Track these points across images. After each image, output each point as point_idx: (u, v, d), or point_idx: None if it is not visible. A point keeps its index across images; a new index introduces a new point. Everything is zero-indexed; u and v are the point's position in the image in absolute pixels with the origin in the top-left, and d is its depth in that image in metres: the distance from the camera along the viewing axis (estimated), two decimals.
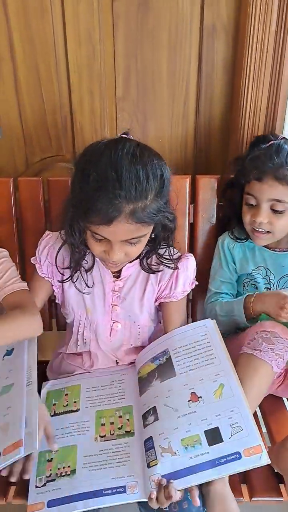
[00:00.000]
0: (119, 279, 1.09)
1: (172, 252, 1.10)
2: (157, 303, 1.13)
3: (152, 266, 1.08)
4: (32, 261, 1.12)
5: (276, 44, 1.16)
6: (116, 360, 1.14)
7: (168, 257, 1.08)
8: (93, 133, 1.32)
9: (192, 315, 1.36)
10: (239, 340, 1.07)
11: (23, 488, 0.92)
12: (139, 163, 0.89)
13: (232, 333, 1.18)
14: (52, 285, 1.12)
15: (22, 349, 1.03)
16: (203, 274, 1.23)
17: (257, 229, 1.12)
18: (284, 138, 1.15)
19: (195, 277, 1.14)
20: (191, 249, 1.29)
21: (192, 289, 1.20)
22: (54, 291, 1.13)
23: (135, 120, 1.32)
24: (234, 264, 1.22)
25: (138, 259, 1.08)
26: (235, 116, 1.27)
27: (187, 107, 1.32)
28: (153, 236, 1.04)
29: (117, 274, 1.10)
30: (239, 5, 1.19)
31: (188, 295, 1.27)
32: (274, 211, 1.09)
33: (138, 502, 0.89)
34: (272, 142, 1.11)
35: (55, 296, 1.15)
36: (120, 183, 0.87)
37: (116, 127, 1.33)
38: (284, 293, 1.05)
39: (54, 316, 1.34)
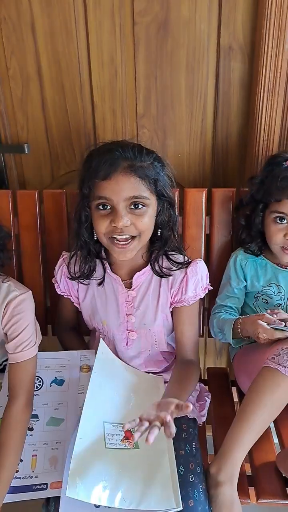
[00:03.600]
0: (131, 289, 1.14)
1: (184, 259, 1.15)
2: (171, 309, 1.16)
3: (163, 269, 1.12)
4: (53, 281, 1.21)
5: None
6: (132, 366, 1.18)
7: (178, 260, 1.13)
8: None
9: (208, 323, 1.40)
10: (260, 352, 1.09)
11: None
12: (136, 145, 1.05)
13: (246, 343, 1.21)
14: (73, 302, 1.20)
15: (74, 385, 1.08)
16: (218, 284, 1.28)
17: None
18: None
19: (210, 283, 1.18)
20: (207, 259, 1.33)
21: (207, 298, 1.25)
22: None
23: (155, 136, 1.38)
24: (246, 281, 1.25)
25: (149, 265, 1.13)
26: (251, 132, 1.32)
27: (205, 123, 1.37)
28: (159, 234, 1.09)
29: (129, 285, 1.14)
30: (254, 26, 1.25)
31: (203, 303, 1.32)
32: None
33: None
34: None
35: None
36: (118, 149, 1.00)
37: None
38: (259, 322, 1.06)
39: (50, 322, 1.40)
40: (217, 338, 1.24)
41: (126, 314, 1.15)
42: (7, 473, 0.93)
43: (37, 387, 1.09)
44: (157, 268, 1.12)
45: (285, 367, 0.97)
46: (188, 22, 1.25)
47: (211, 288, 1.18)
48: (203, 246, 1.32)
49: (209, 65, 1.30)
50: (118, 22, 1.25)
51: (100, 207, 1.02)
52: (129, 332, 1.15)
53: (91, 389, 1.00)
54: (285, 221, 1.14)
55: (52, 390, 1.09)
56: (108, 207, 1.02)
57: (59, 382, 1.11)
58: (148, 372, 1.18)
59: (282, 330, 1.03)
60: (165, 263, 1.13)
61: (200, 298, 1.17)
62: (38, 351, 1.09)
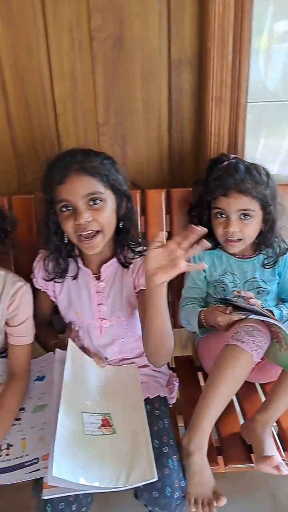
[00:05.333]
0: (101, 280, 1.23)
1: (143, 249, 1.25)
2: (136, 294, 1.24)
3: (127, 259, 1.22)
4: (31, 277, 1.28)
5: (233, 73, 1.34)
6: (106, 357, 1.26)
7: (139, 249, 1.23)
8: None
9: (174, 317, 1.50)
10: (221, 335, 1.18)
11: None
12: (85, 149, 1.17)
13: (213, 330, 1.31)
14: (49, 296, 1.28)
15: (51, 375, 1.15)
16: (180, 278, 1.38)
17: (230, 238, 1.27)
18: (236, 157, 1.31)
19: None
20: None
21: (172, 293, 1.35)
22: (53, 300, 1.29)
23: (116, 143, 1.48)
24: (204, 271, 1.36)
25: (115, 257, 1.23)
26: (203, 137, 1.44)
27: (161, 130, 1.49)
28: (121, 226, 1.19)
29: (99, 277, 1.24)
30: (200, 41, 1.37)
31: (168, 297, 1.42)
32: (242, 220, 1.25)
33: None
34: (229, 161, 1.27)
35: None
36: (68, 155, 1.13)
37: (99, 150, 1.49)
38: (216, 311, 1.19)
39: None
40: (187, 328, 1.34)
41: (98, 304, 1.24)
42: (7, 416, 1.08)
43: None
44: (121, 258, 1.22)
45: (243, 342, 1.08)
46: (141, 38, 1.37)
47: None
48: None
49: (162, 77, 1.42)
50: (76, 38, 1.35)
51: (63, 209, 1.13)
52: (101, 321, 1.24)
53: (66, 384, 1.06)
54: (224, 216, 1.26)
55: (36, 386, 1.19)
56: (70, 208, 1.12)
57: (40, 378, 1.22)
58: (122, 360, 1.27)
59: (238, 313, 1.15)
60: (130, 254, 1.24)
61: None
62: None
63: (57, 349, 1.17)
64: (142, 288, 1.20)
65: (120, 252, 1.22)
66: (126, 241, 1.23)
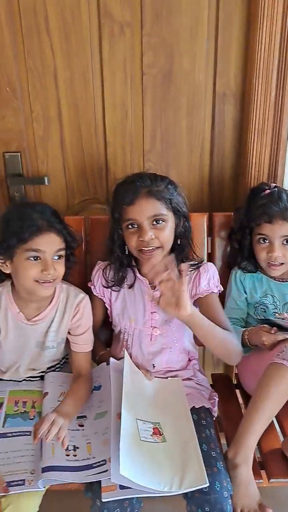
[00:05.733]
0: (156, 289, 1.30)
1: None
2: (193, 300, 1.31)
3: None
4: (88, 285, 1.39)
5: (276, 108, 1.43)
6: (153, 364, 1.33)
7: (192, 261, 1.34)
8: None
9: None
10: (263, 354, 1.26)
11: None
12: (152, 174, 1.30)
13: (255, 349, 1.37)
14: (105, 302, 1.37)
15: (107, 384, 1.24)
16: (220, 296, 1.46)
17: (273, 262, 1.34)
18: (276, 186, 1.40)
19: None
20: None
21: None
22: (107, 308, 1.38)
23: (160, 169, 1.57)
24: (245, 293, 1.43)
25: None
26: (243, 166, 1.53)
27: (203, 158, 1.58)
28: (179, 243, 1.30)
29: (154, 286, 1.32)
30: (245, 75, 1.47)
31: None
32: (285, 245, 1.33)
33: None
34: (271, 190, 1.36)
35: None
36: (138, 179, 1.25)
37: None
38: (261, 331, 1.27)
39: None
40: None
41: (151, 312, 1.33)
42: (79, 401, 1.22)
43: None
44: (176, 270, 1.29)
45: None
46: (188, 73, 1.47)
47: (222, 289, 1.37)
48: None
49: (206, 109, 1.52)
50: (129, 73, 1.46)
51: (129, 226, 1.25)
52: (153, 329, 1.33)
53: (126, 392, 1.14)
54: (267, 241, 1.34)
55: (94, 395, 1.26)
56: (136, 226, 1.24)
57: (97, 388, 1.29)
58: (167, 371, 1.34)
59: (283, 334, 1.21)
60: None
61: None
62: None
63: (112, 359, 1.26)
64: (200, 296, 1.30)
65: (176, 265, 1.31)
66: (182, 256, 1.33)
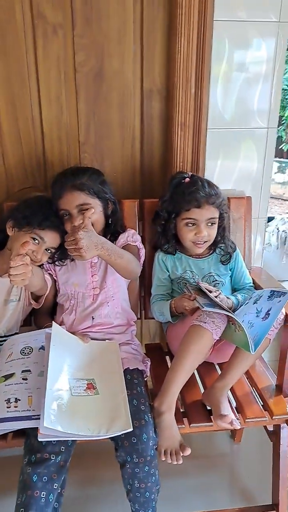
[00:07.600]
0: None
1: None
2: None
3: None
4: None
5: (195, 103, 1.61)
6: (92, 316, 1.50)
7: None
8: (61, 169, 1.69)
9: (145, 309, 1.72)
10: (185, 320, 1.43)
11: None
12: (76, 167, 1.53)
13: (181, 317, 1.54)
14: (52, 275, 1.54)
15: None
16: (149, 276, 1.62)
17: (198, 242, 1.52)
18: (193, 174, 1.58)
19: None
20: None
21: (144, 289, 1.59)
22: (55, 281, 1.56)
23: (94, 159, 1.72)
24: (168, 271, 1.61)
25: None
26: (169, 156, 1.70)
27: (134, 149, 1.74)
28: (109, 222, 1.52)
29: None
30: (168, 74, 1.64)
31: (139, 292, 1.66)
32: (209, 226, 1.51)
33: None
34: (190, 178, 1.53)
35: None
36: (63, 176, 1.47)
37: (80, 165, 1.72)
38: (183, 298, 1.43)
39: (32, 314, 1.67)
40: (160, 319, 1.58)
41: (92, 275, 1.52)
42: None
43: (28, 353, 1.36)
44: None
45: (205, 323, 1.32)
46: (118, 72, 1.62)
47: (142, 247, 1.58)
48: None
49: (135, 104, 1.68)
50: (63, 70, 1.59)
51: (190, 224, 1.50)
52: (94, 289, 1.51)
53: (52, 357, 1.27)
54: (194, 225, 1.52)
55: (40, 354, 1.36)
56: (67, 215, 1.43)
57: (42, 348, 1.38)
58: (108, 333, 1.50)
59: (202, 299, 1.39)
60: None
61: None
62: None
63: (46, 329, 1.39)
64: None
65: (109, 239, 1.48)
66: (112, 231, 1.54)
